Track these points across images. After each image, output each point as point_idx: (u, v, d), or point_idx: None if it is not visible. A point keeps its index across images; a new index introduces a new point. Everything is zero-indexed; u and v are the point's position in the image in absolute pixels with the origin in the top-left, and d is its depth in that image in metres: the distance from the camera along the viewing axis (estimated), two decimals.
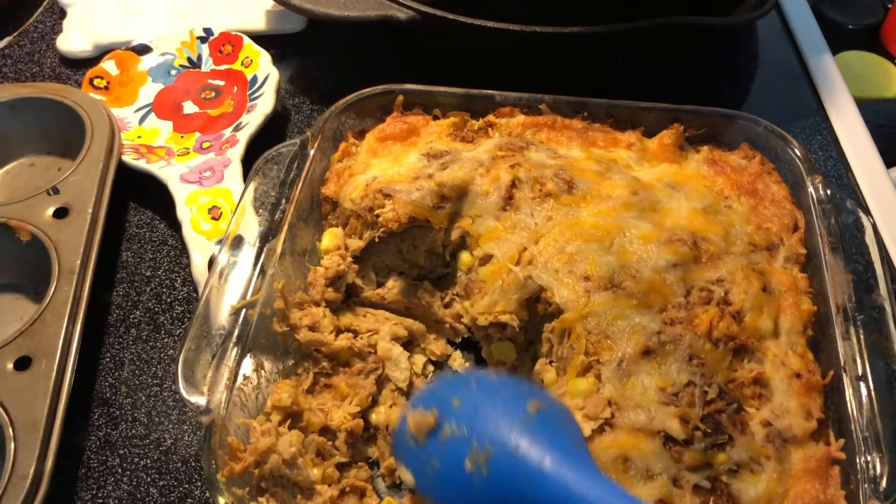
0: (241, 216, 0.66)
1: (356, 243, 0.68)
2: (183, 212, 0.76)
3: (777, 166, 0.72)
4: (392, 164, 0.71)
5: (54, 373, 0.62)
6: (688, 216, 0.65)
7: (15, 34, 1.01)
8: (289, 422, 0.58)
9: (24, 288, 0.74)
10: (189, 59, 0.92)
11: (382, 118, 0.75)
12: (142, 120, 0.87)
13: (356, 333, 0.66)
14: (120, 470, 0.64)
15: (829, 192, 0.67)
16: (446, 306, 0.69)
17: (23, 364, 0.63)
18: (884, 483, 0.51)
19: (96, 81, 0.88)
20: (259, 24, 0.98)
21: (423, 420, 0.50)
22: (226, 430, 0.55)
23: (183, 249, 0.76)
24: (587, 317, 0.59)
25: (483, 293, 0.64)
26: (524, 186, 0.66)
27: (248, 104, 0.87)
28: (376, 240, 0.67)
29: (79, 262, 0.69)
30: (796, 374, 0.57)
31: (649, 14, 0.80)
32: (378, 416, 0.63)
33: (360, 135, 0.75)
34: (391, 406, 0.64)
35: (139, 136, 0.85)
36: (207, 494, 0.62)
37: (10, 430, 0.59)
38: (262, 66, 0.89)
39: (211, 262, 0.71)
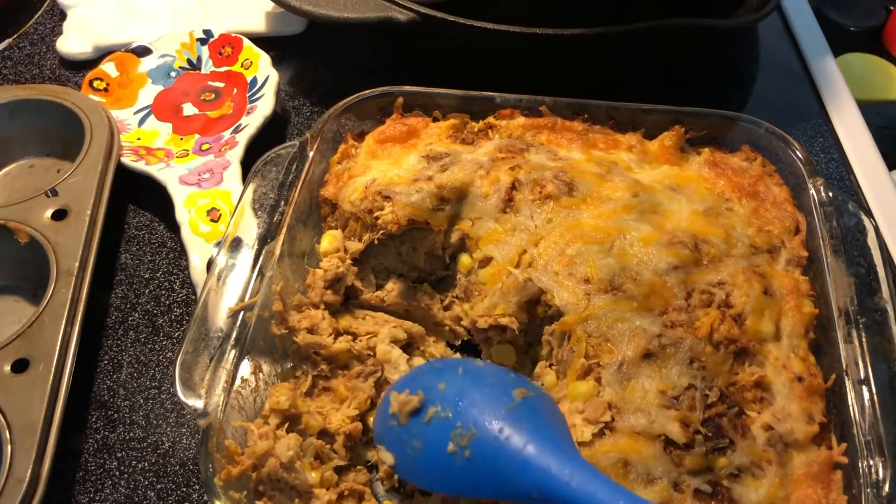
0: (239, 218, 0.65)
1: (355, 245, 0.68)
2: (182, 214, 0.76)
3: (778, 168, 0.71)
4: (391, 166, 0.70)
5: (52, 375, 0.62)
6: (689, 218, 0.65)
7: (15, 36, 1.01)
8: (287, 425, 0.58)
9: (22, 290, 0.74)
10: (189, 61, 0.92)
11: (382, 120, 0.75)
12: (141, 122, 0.87)
13: (355, 336, 0.65)
14: (118, 473, 0.64)
15: (830, 194, 0.67)
16: (446, 309, 0.68)
17: (20, 366, 0.63)
18: (886, 488, 0.51)
19: (96, 83, 0.88)
20: (259, 25, 0.97)
21: (407, 401, 0.51)
22: (223, 434, 0.54)
23: (182, 251, 0.76)
24: (587, 319, 0.58)
25: (483, 296, 0.64)
26: (524, 188, 0.66)
27: (248, 106, 0.86)
28: (375, 242, 0.67)
29: (77, 264, 0.69)
30: (798, 378, 0.57)
31: (650, 16, 0.80)
32: None
33: (360, 137, 0.75)
34: None
35: (138, 138, 0.85)
36: (205, 498, 0.62)
37: (7, 432, 0.59)
38: (262, 68, 0.89)
39: (209, 265, 0.71)
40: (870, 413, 0.54)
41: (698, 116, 0.74)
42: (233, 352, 0.58)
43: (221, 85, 0.91)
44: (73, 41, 0.96)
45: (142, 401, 0.68)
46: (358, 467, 0.61)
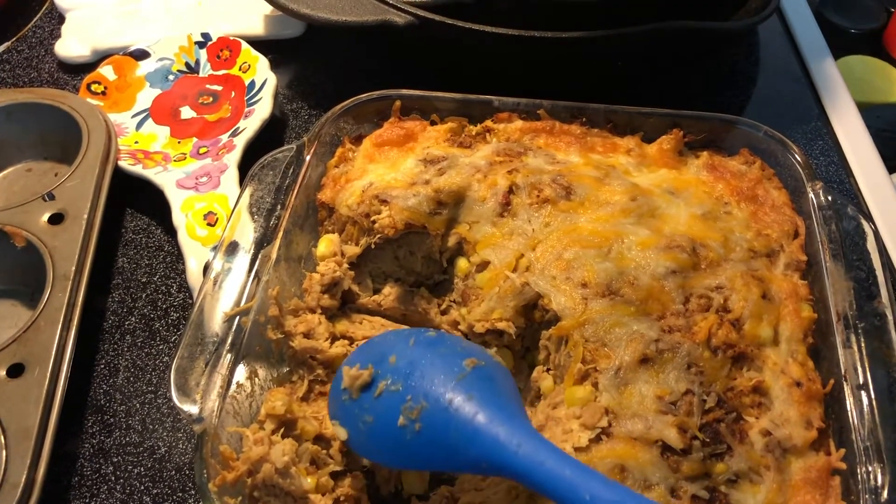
0: (236, 222, 0.65)
1: (352, 249, 0.67)
2: (179, 218, 0.75)
3: (777, 172, 0.71)
4: (389, 169, 0.70)
5: (47, 380, 0.62)
6: (687, 222, 0.65)
7: (13, 39, 1.01)
8: (282, 430, 0.57)
9: (20, 294, 0.74)
10: (187, 64, 0.92)
11: (380, 123, 0.75)
12: (139, 125, 0.87)
13: (352, 340, 0.65)
14: (113, 478, 0.64)
15: (829, 197, 0.66)
16: (443, 313, 0.68)
17: (16, 371, 0.63)
18: (885, 494, 0.51)
19: (94, 87, 0.88)
20: (257, 29, 0.97)
21: (357, 376, 0.51)
22: (218, 439, 0.54)
23: (179, 255, 0.76)
24: (584, 324, 0.58)
25: (480, 300, 0.64)
26: (522, 192, 0.66)
27: (246, 109, 0.86)
28: (373, 246, 0.67)
29: (73, 268, 0.69)
30: (796, 383, 0.56)
31: (649, 19, 0.80)
32: None
33: (357, 140, 0.75)
34: None
35: (136, 142, 0.85)
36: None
37: (2, 437, 0.59)
38: (260, 72, 0.89)
39: (206, 269, 0.71)
40: (868, 419, 0.54)
41: (697, 120, 0.74)
42: (228, 356, 0.58)
43: (219, 88, 0.90)
44: (71, 44, 0.96)
45: (138, 405, 0.68)
46: (354, 473, 0.60)
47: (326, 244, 0.68)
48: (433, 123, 0.75)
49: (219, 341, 0.58)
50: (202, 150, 0.83)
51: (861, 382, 0.55)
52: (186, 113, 0.89)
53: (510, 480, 0.53)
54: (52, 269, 0.69)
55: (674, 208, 0.66)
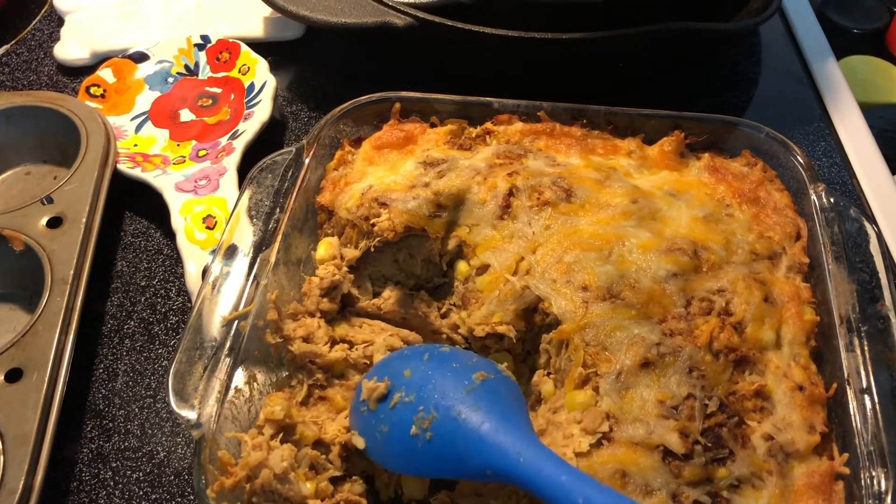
0: (234, 225, 0.65)
1: (352, 253, 0.67)
2: (177, 221, 0.75)
3: (779, 173, 0.71)
4: (388, 172, 0.70)
5: (45, 384, 0.62)
6: (688, 225, 0.64)
7: (13, 42, 1.01)
8: (281, 435, 0.57)
9: (18, 298, 0.74)
10: (186, 67, 0.92)
11: (379, 126, 0.75)
12: (138, 128, 0.87)
13: (351, 344, 0.65)
14: (112, 483, 0.63)
15: (832, 199, 0.66)
16: (443, 316, 0.68)
17: (14, 376, 0.63)
18: (888, 499, 0.50)
19: (93, 90, 0.88)
20: (257, 31, 0.97)
21: (375, 388, 0.55)
22: (216, 444, 0.54)
23: (178, 259, 0.75)
24: (585, 328, 0.57)
25: (480, 303, 0.63)
26: (522, 195, 0.66)
27: (246, 112, 0.86)
28: (372, 249, 0.66)
29: (72, 272, 0.69)
30: (799, 387, 0.56)
31: (650, 20, 0.79)
32: None
33: (357, 143, 0.74)
34: None
35: (135, 145, 0.84)
36: None
37: (0, 442, 0.58)
38: (260, 74, 0.89)
39: (205, 272, 0.71)
40: (872, 423, 0.53)
41: (698, 121, 0.73)
42: (227, 361, 0.57)
43: (219, 91, 0.90)
44: (70, 47, 0.96)
45: (137, 410, 0.68)
46: (353, 478, 0.60)
47: (326, 247, 0.68)
48: (433, 126, 0.75)
49: (217, 345, 0.58)
50: (201, 153, 0.82)
51: (864, 386, 0.55)
52: (186, 115, 0.88)
53: (511, 487, 0.54)
54: (51, 273, 0.69)
55: (675, 210, 0.66)
